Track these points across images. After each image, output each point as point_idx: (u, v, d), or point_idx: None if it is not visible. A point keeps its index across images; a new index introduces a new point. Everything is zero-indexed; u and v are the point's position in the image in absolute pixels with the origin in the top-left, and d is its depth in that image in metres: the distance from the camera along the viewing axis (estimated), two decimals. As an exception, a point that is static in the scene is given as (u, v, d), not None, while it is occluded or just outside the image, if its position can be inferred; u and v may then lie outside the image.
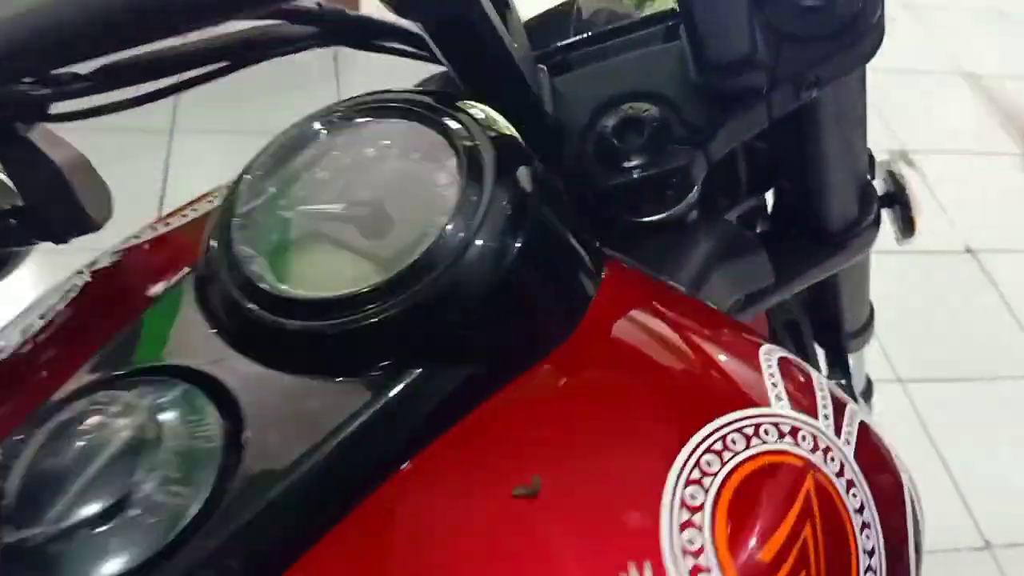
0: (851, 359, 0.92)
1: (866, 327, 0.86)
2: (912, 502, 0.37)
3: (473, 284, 0.32)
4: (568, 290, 0.35)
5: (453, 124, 0.34)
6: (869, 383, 1.04)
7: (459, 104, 0.35)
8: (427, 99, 0.35)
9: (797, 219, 0.63)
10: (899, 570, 0.35)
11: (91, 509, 0.27)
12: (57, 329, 0.39)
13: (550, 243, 0.34)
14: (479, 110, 0.36)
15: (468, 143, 0.33)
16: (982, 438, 1.62)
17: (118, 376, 0.31)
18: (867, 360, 1.00)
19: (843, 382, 0.90)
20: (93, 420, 0.29)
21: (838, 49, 0.46)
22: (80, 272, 0.43)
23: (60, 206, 0.44)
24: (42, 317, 0.40)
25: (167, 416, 0.30)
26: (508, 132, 0.35)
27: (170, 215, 0.45)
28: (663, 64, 0.48)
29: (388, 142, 0.35)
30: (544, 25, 0.62)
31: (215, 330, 0.33)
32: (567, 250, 0.35)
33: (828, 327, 0.84)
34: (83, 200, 0.44)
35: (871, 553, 0.33)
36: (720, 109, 0.47)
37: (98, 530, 0.27)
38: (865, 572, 0.33)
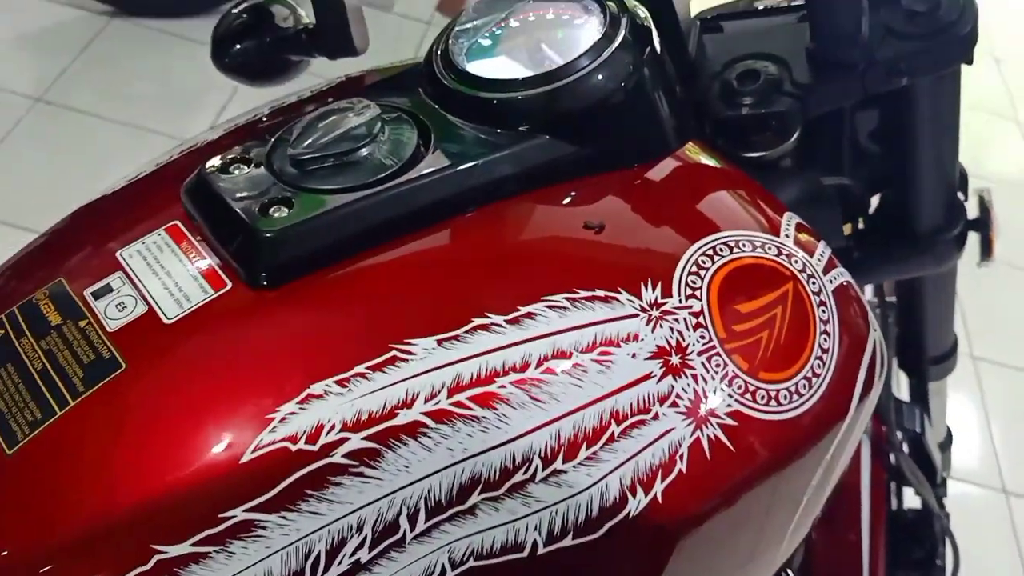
0: (931, 393, 1.00)
1: (947, 356, 0.95)
2: (874, 354, 0.50)
3: (583, 95, 0.49)
4: (651, 130, 0.51)
5: (612, 5, 0.51)
6: (950, 435, 1.11)
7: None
8: None
9: (890, 221, 0.75)
10: (839, 391, 0.47)
11: (335, 148, 0.45)
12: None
13: (643, 94, 0.50)
14: (638, 7, 0.52)
15: (614, 16, 0.50)
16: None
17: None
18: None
19: (918, 411, 0.99)
20: (347, 111, 0.47)
21: (928, 49, 0.60)
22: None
23: (337, 33, 0.63)
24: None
25: (389, 123, 0.48)
26: (647, 23, 0.52)
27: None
28: (788, 35, 0.63)
29: (565, 8, 0.52)
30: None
31: (425, 92, 0.51)
32: (657, 104, 0.51)
33: (910, 348, 0.94)
34: (353, 33, 0.64)
35: (824, 352, 0.46)
36: (822, 75, 0.61)
37: (334, 161, 0.45)
38: (814, 361, 0.46)
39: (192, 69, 2.19)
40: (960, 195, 0.75)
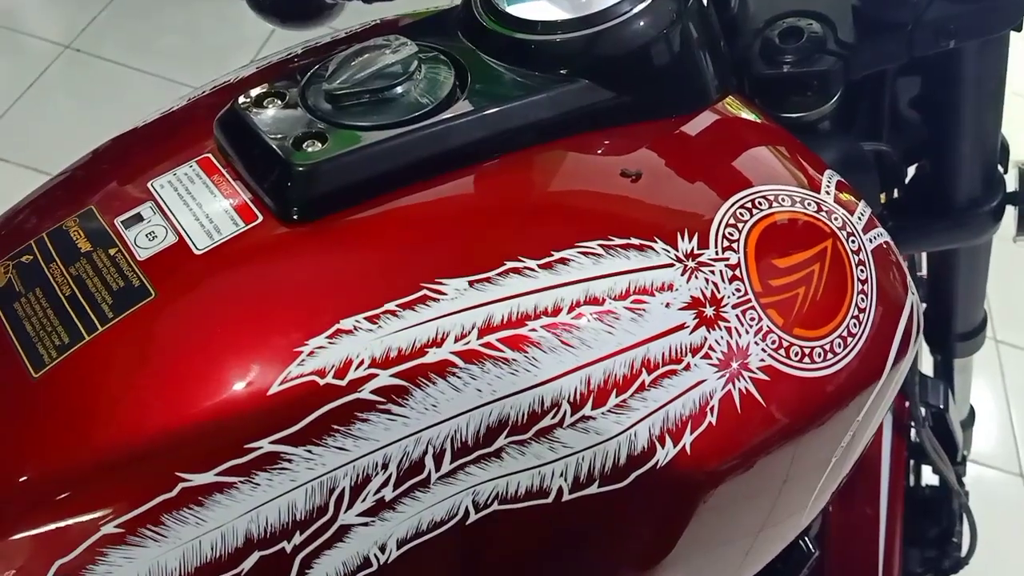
0: (956, 370, 0.99)
1: (976, 333, 0.94)
2: (911, 317, 0.49)
3: (624, 40, 0.48)
4: (692, 80, 0.50)
5: None
6: (972, 413, 1.10)
7: None
8: None
9: (927, 191, 0.74)
10: (873, 352, 0.46)
11: (371, 85, 0.45)
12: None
13: (685, 42, 0.49)
14: None
15: None
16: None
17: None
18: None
19: (943, 386, 0.97)
20: (383, 48, 0.46)
21: (979, 12, 0.58)
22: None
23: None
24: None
25: (426, 61, 0.47)
26: None
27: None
28: None
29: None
30: None
31: (463, 33, 0.50)
32: (698, 54, 0.50)
33: (938, 323, 0.93)
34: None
35: (861, 311, 0.46)
36: (868, 34, 0.59)
37: (370, 97, 0.45)
38: (850, 320, 0.45)
39: (220, 24, 2.19)
40: (1000, 167, 0.74)
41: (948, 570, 1.04)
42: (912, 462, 1.04)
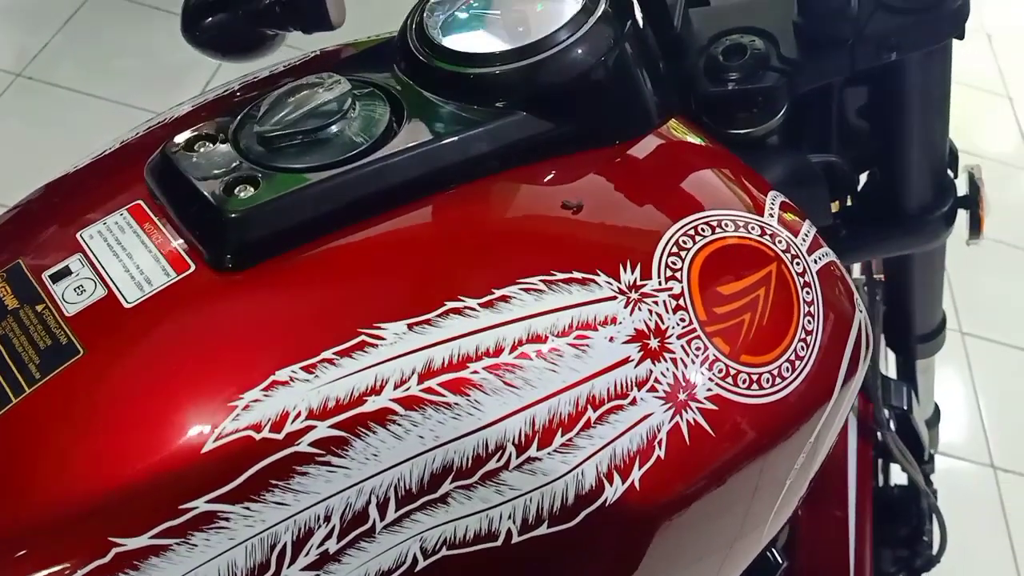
0: (919, 371, 1.00)
1: (936, 334, 0.94)
2: (859, 336, 0.49)
3: (563, 70, 0.47)
4: (633, 105, 0.50)
5: None
6: (937, 411, 1.11)
7: None
8: None
9: (878, 199, 0.74)
10: (823, 373, 0.46)
11: (304, 125, 0.44)
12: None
13: (624, 68, 0.49)
14: None
15: None
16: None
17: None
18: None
19: (906, 388, 0.98)
20: (316, 86, 0.45)
21: (919, 24, 0.58)
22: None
23: (312, 6, 0.61)
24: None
25: (360, 98, 0.46)
26: None
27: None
28: (776, 8, 0.61)
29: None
30: None
31: (399, 67, 0.49)
32: (639, 80, 0.50)
33: (898, 325, 0.93)
34: (329, 6, 0.61)
35: (808, 334, 0.45)
36: (811, 50, 0.59)
37: (303, 138, 0.44)
38: (797, 343, 0.45)
39: (176, 44, 2.15)
40: (950, 172, 0.74)
41: (920, 568, 1.04)
42: (880, 462, 1.05)
